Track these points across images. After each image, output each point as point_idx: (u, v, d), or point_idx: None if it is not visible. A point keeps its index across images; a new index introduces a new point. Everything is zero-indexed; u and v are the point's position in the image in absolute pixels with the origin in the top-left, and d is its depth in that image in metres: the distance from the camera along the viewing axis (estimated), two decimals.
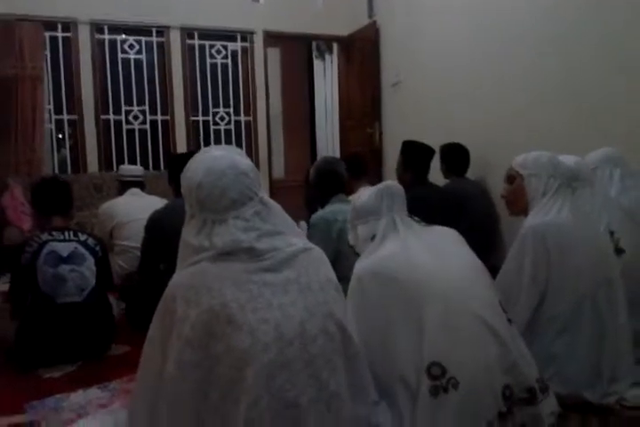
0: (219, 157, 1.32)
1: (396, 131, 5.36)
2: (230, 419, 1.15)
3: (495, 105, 4.00)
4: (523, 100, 3.73)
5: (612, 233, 2.09)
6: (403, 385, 1.54)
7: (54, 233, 2.39)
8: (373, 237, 1.74)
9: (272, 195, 5.94)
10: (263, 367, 1.15)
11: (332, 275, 1.37)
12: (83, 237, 2.44)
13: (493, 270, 2.08)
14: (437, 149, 4.01)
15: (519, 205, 2.13)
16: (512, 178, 2.13)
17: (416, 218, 1.83)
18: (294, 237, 1.36)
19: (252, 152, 5.89)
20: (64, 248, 2.36)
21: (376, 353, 1.60)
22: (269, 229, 1.30)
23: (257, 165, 5.83)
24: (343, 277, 2.79)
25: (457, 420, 1.46)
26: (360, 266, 1.72)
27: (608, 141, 2.76)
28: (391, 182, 1.85)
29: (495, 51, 3.96)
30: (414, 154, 3.65)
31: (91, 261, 2.41)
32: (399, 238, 1.72)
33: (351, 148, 5.99)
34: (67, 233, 2.42)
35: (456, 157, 4.00)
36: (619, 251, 2.06)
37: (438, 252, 1.70)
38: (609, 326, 1.88)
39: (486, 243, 3.80)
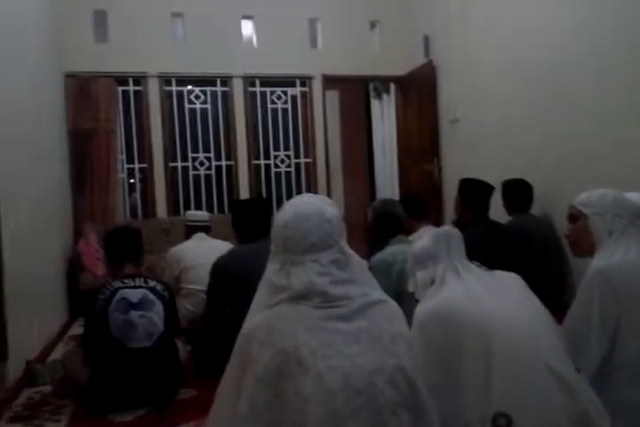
0: (307, 203, 1.38)
1: (455, 167, 5.33)
2: None
3: (556, 140, 3.93)
4: (585, 134, 3.65)
5: None
6: None
7: (125, 280, 2.50)
8: (432, 282, 1.73)
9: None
10: (329, 414, 1.16)
11: (406, 328, 1.37)
12: (152, 284, 2.54)
13: (563, 308, 2.02)
14: (498, 186, 3.96)
15: (583, 245, 2.06)
16: (575, 217, 2.07)
17: (476, 262, 1.80)
18: (370, 288, 1.38)
19: (311, 192, 5.98)
20: (134, 295, 2.47)
21: (441, 400, 1.58)
22: (345, 277, 1.33)
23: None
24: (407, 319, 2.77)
25: None
26: (420, 309, 1.69)
27: None
28: (449, 227, 1.85)
29: (555, 87, 3.92)
30: (472, 192, 3.57)
31: (159, 306, 2.50)
32: (460, 281, 1.70)
33: (410, 186, 5.99)
34: (137, 280, 2.53)
35: (518, 192, 3.93)
36: None
37: (502, 296, 1.66)
38: None
39: (555, 281, 3.67)
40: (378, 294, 1.38)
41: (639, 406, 1.77)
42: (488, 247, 3.22)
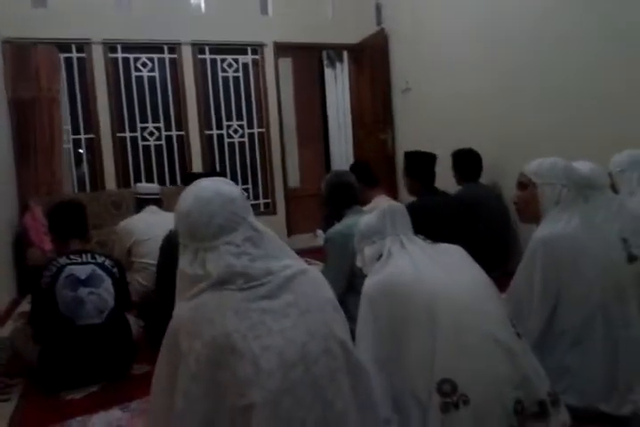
0: (205, 187, 1.36)
1: (408, 137, 5.37)
2: None
3: (507, 109, 3.99)
4: (535, 102, 3.71)
5: (624, 240, 2.07)
6: (414, 401, 1.57)
7: (72, 256, 2.44)
8: (380, 257, 1.76)
9: (288, 203, 5.99)
10: (269, 394, 1.17)
11: (331, 294, 1.39)
12: (100, 260, 2.50)
13: (508, 275, 2.09)
14: (449, 156, 4.02)
15: (530, 212, 2.11)
16: (524, 185, 2.10)
17: (421, 236, 1.84)
18: (289, 259, 1.38)
19: (266, 163, 5.94)
20: (82, 271, 2.42)
21: (388, 369, 1.63)
22: (262, 253, 1.32)
23: (271, 175, 5.90)
24: (360, 292, 2.81)
25: None
26: (368, 283, 1.74)
27: (623, 144, 2.74)
28: (394, 203, 1.90)
29: (504, 54, 3.95)
30: (415, 162, 3.67)
31: (108, 282, 2.46)
32: (406, 255, 1.74)
33: (365, 155, 6.01)
34: (84, 256, 2.47)
35: (468, 162, 3.99)
36: (631, 258, 2.04)
37: (446, 268, 1.71)
38: (622, 337, 1.86)
39: (501, 248, 3.78)
40: (298, 263, 1.38)
41: (578, 369, 1.87)
42: (436, 216, 3.30)
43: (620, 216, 2.17)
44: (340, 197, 2.87)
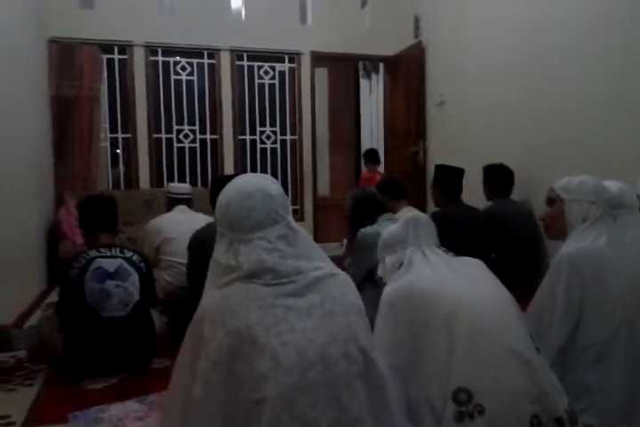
0: (249, 182, 1.39)
1: (440, 150, 5.36)
2: None
3: (540, 124, 3.96)
4: (569, 120, 3.68)
5: None
6: (429, 409, 1.55)
7: (102, 250, 2.50)
8: (400, 266, 1.77)
9: (316, 212, 6.02)
10: (284, 390, 1.18)
11: (358, 300, 1.39)
12: (128, 254, 2.55)
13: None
14: (481, 171, 4.00)
15: (557, 228, 2.10)
16: (552, 201, 2.10)
17: (444, 248, 1.84)
18: (321, 261, 1.39)
19: (296, 170, 5.99)
20: (110, 264, 2.47)
21: (404, 376, 1.61)
22: (294, 252, 1.34)
23: (301, 182, 5.94)
24: (378, 290, 2.84)
25: None
26: (389, 289, 1.74)
27: None
28: (419, 214, 1.89)
29: (541, 72, 3.93)
30: (443, 174, 3.79)
31: (135, 277, 2.51)
32: (428, 264, 1.74)
33: (396, 166, 6.02)
34: (113, 250, 2.53)
35: (499, 177, 3.96)
36: None
37: (467, 280, 1.70)
38: None
39: (531, 265, 3.73)
40: (329, 266, 1.39)
41: (598, 388, 1.83)
42: (457, 226, 3.34)
43: None
44: (366, 209, 2.93)
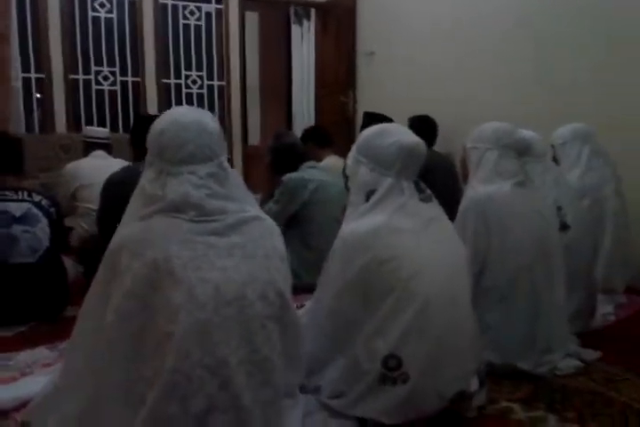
0: (187, 113, 1.35)
1: (370, 100, 5.34)
2: (160, 370, 1.17)
3: (469, 80, 4.01)
4: (497, 75, 3.75)
5: (559, 208, 2.13)
6: (353, 362, 1.55)
7: (7, 193, 2.36)
8: (370, 194, 1.60)
9: (246, 161, 5.92)
10: (196, 324, 1.18)
11: (281, 245, 1.39)
12: (37, 198, 2.42)
13: None
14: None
15: (464, 176, 2.18)
16: (463, 149, 2.17)
17: (423, 186, 1.70)
18: (248, 205, 1.37)
19: (224, 118, 5.82)
20: (17, 208, 2.35)
21: (341, 327, 1.58)
22: (223, 192, 1.31)
23: (230, 131, 5.79)
24: (300, 237, 2.87)
25: (396, 411, 1.49)
26: (349, 230, 1.59)
27: (576, 119, 2.81)
28: (421, 143, 1.67)
29: (472, 24, 3.94)
30: (371, 122, 3.67)
31: (44, 222, 2.40)
32: (400, 210, 1.58)
33: (325, 115, 5.96)
34: (20, 193, 2.39)
35: (424, 129, 3.99)
36: (564, 227, 2.11)
37: (433, 237, 1.61)
38: (544, 299, 1.94)
39: (449, 215, 3.84)
40: (255, 210, 1.38)
41: (499, 327, 1.93)
42: None
43: (557, 186, 2.23)
44: (284, 160, 2.93)
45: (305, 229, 2.97)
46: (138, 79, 5.41)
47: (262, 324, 1.28)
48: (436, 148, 4.05)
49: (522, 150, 2.12)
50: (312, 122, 6.30)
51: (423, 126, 4.00)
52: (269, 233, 1.37)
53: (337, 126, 5.30)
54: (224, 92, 5.80)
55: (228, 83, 5.76)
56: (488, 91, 3.79)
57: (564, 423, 1.64)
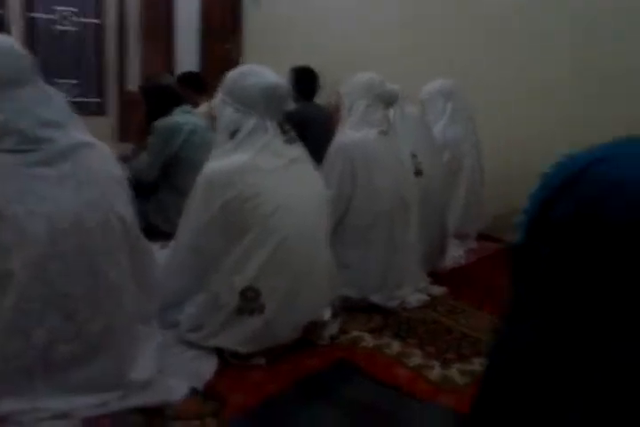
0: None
1: (257, 49, 5.27)
2: (1, 310, 1.16)
3: (355, 29, 4.07)
4: (384, 34, 3.84)
5: (414, 156, 2.29)
6: (212, 297, 1.62)
7: None
8: (234, 133, 1.64)
9: (123, 107, 5.64)
10: (32, 258, 1.17)
11: (117, 170, 1.37)
12: None
13: None
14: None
15: (336, 121, 2.28)
16: (337, 94, 2.25)
17: (287, 128, 1.74)
18: (77, 131, 1.33)
19: (98, 59, 5.48)
20: None
21: (202, 260, 1.64)
22: (46, 117, 1.26)
23: (105, 73, 5.48)
24: (176, 185, 2.82)
25: (253, 341, 1.59)
26: (213, 168, 1.63)
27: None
28: (283, 84, 1.73)
29: None
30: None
31: None
32: (264, 149, 1.63)
33: (211, 63, 5.79)
34: None
35: (305, 80, 4.02)
36: (417, 173, 2.27)
37: (290, 175, 1.68)
38: (399, 240, 2.11)
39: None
40: (85, 137, 1.33)
41: (358, 265, 2.08)
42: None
43: (415, 134, 2.38)
44: (157, 101, 2.86)
45: (180, 176, 2.93)
46: (0, 11, 4.92)
47: (107, 250, 1.28)
48: (321, 99, 4.09)
49: (388, 101, 2.23)
50: (196, 69, 6.10)
51: (304, 78, 4.02)
52: (103, 159, 1.35)
53: (222, 74, 5.17)
54: (99, 31, 5.43)
55: (104, 21, 5.40)
56: (376, 46, 3.88)
57: (407, 348, 1.83)
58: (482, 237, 3.12)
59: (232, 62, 5.41)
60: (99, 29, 5.45)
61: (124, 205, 1.34)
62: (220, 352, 1.62)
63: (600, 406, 0.40)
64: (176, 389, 1.40)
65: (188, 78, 3.63)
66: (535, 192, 0.45)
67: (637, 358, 0.38)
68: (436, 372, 1.68)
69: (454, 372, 1.69)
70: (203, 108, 3.42)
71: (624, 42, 2.64)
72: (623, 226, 0.37)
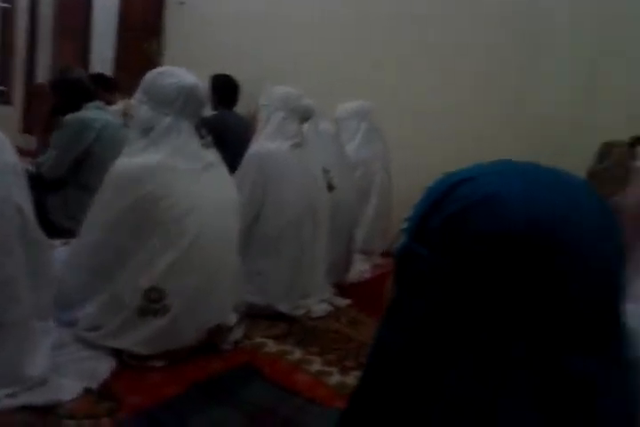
0: None
1: (178, 52, 5.20)
2: None
3: (284, 41, 4.14)
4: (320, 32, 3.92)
5: (327, 171, 2.36)
6: (114, 297, 1.58)
7: None
8: (147, 131, 1.63)
9: (31, 99, 5.36)
10: None
11: (12, 158, 1.31)
12: None
13: None
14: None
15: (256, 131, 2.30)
16: (256, 106, 2.29)
17: (204, 132, 1.75)
18: None
19: (6, 44, 5.19)
20: None
21: (105, 255, 1.60)
22: None
23: (12, 65, 5.18)
24: (85, 183, 2.72)
25: (156, 342, 1.57)
26: (122, 165, 1.61)
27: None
28: (200, 85, 1.72)
29: None
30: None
31: None
32: (177, 152, 1.63)
33: (127, 62, 5.63)
34: None
35: (226, 89, 4.02)
36: (330, 187, 2.34)
37: (205, 178, 1.68)
38: (307, 251, 2.16)
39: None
40: None
41: (269, 274, 2.10)
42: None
43: (328, 149, 2.45)
44: (67, 95, 2.78)
45: (89, 172, 2.83)
46: None
47: (4, 241, 1.23)
48: (241, 108, 4.10)
49: (304, 116, 2.29)
50: (110, 66, 5.91)
51: (224, 86, 4.02)
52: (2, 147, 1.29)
53: (140, 74, 5.05)
54: (8, 17, 5.15)
55: (14, 5, 5.13)
56: (303, 49, 3.96)
57: (308, 356, 1.86)
58: (387, 254, 3.24)
59: (151, 62, 5.30)
60: (8, 14, 5.15)
61: (21, 195, 1.29)
62: (118, 353, 1.58)
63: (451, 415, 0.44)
64: (69, 388, 1.36)
65: (94, 79, 3.50)
66: (417, 203, 0.51)
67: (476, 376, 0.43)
68: (334, 378, 1.73)
69: (352, 379, 1.74)
70: (118, 105, 3.33)
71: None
72: (485, 238, 0.43)
